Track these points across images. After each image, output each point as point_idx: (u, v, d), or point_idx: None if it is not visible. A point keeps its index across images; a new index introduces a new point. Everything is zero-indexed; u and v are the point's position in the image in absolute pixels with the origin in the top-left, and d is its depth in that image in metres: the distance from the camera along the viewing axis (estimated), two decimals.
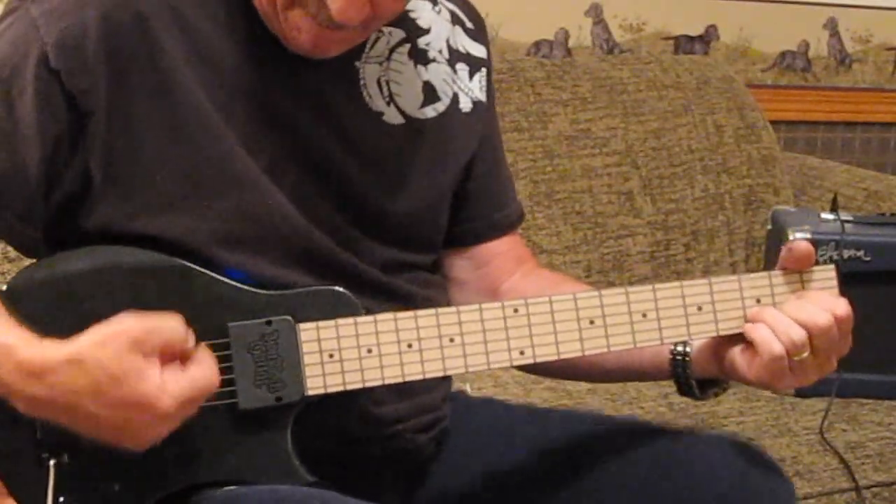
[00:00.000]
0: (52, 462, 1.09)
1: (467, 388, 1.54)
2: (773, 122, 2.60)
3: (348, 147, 1.21)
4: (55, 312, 1.10)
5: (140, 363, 1.02)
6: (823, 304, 1.16)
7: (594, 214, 2.28)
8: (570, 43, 2.68)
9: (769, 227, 2.17)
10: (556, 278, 1.41)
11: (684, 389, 1.25)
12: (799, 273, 1.19)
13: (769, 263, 2.20)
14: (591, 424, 1.32)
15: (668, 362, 1.25)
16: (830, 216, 2.06)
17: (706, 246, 2.39)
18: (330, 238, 1.20)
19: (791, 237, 1.98)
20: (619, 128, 2.35)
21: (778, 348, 1.14)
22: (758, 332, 1.15)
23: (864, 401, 1.97)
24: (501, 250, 1.37)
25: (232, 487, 1.13)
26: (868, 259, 1.96)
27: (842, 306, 1.16)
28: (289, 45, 1.16)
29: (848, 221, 2.03)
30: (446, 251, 1.35)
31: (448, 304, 1.33)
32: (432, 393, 1.27)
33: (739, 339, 1.18)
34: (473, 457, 1.32)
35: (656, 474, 1.23)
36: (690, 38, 2.81)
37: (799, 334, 1.14)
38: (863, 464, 1.82)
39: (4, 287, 1.13)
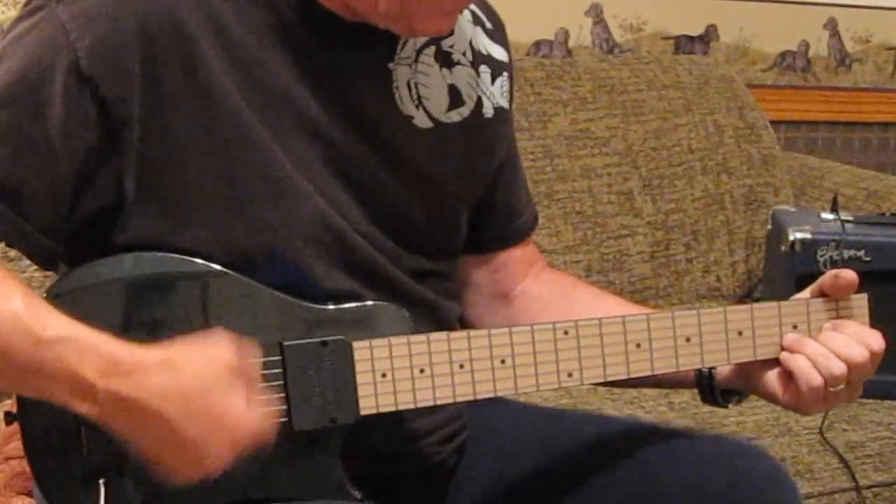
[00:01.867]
0: (101, 481, 1.07)
1: None
2: (773, 122, 2.60)
3: (380, 153, 1.19)
4: (104, 319, 1.06)
5: (233, 381, 1.01)
6: (860, 338, 1.18)
7: (594, 214, 2.28)
8: (570, 43, 2.68)
9: (769, 227, 2.17)
10: (567, 281, 1.41)
11: (707, 399, 1.27)
12: (835, 301, 1.21)
13: (769, 263, 2.20)
14: (599, 426, 1.32)
15: (693, 374, 1.26)
16: (830, 216, 2.06)
17: (706, 246, 2.39)
18: (366, 242, 1.18)
19: (791, 237, 1.98)
20: (619, 128, 2.35)
21: (817, 381, 1.16)
22: (798, 364, 1.17)
23: (864, 401, 1.97)
24: (516, 256, 1.37)
25: None
26: (868, 259, 1.96)
27: (877, 341, 1.19)
28: (417, 34, 1.17)
29: (848, 221, 2.03)
30: (466, 257, 1.34)
31: (461, 280, 1.34)
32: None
33: (772, 363, 1.20)
34: (492, 462, 1.32)
35: (663, 476, 1.23)
36: (690, 38, 2.81)
37: (839, 368, 1.16)
38: (863, 464, 1.82)
39: (44, 295, 1.08)
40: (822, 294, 1.22)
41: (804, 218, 2.07)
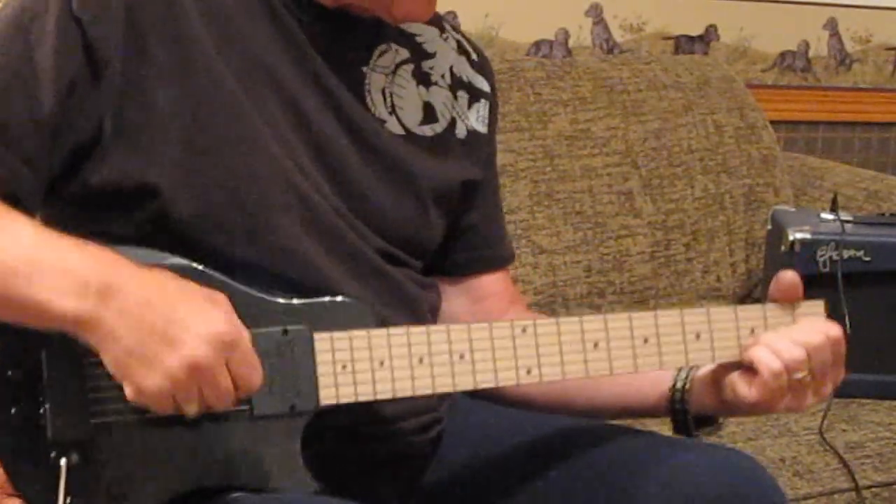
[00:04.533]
0: (63, 461, 1.09)
1: None
2: (773, 122, 2.60)
3: (351, 135, 1.23)
4: None
5: (209, 299, 1.07)
6: (817, 326, 1.20)
7: (594, 214, 2.28)
8: (570, 43, 2.68)
9: (769, 227, 2.17)
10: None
11: (680, 429, 1.28)
12: (791, 306, 1.22)
13: (769, 263, 2.20)
14: (580, 431, 1.32)
15: (667, 400, 1.27)
16: (830, 216, 2.06)
17: (706, 246, 2.39)
18: (334, 214, 1.21)
19: (791, 237, 1.98)
20: (619, 128, 2.35)
21: (777, 365, 1.17)
22: (757, 353, 1.19)
23: (864, 401, 1.97)
24: (496, 290, 1.40)
25: (239, 494, 1.13)
26: (868, 259, 1.96)
27: (834, 329, 1.20)
28: (397, 19, 1.21)
29: (848, 221, 2.03)
30: (443, 282, 1.37)
31: (442, 310, 1.35)
32: None
33: (737, 367, 1.22)
34: (467, 459, 1.32)
35: (645, 478, 1.22)
36: (690, 38, 2.81)
37: (797, 351, 1.18)
38: (863, 464, 1.82)
39: None
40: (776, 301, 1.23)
41: (804, 218, 2.07)
